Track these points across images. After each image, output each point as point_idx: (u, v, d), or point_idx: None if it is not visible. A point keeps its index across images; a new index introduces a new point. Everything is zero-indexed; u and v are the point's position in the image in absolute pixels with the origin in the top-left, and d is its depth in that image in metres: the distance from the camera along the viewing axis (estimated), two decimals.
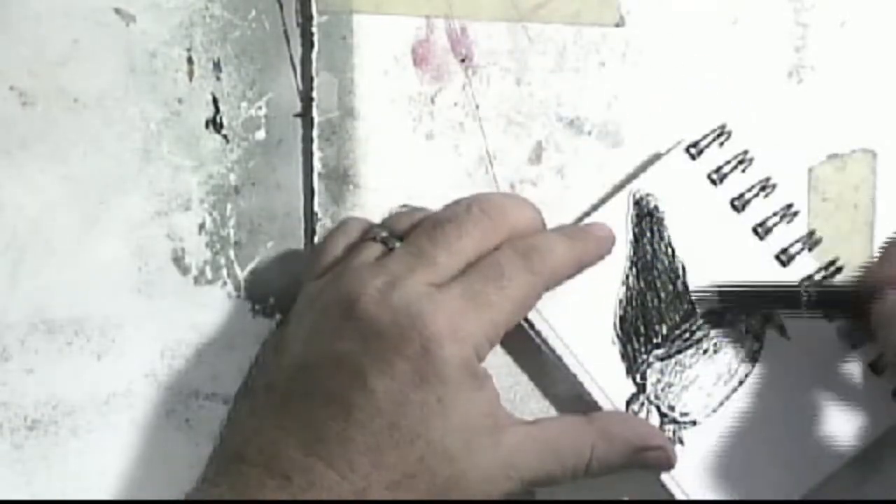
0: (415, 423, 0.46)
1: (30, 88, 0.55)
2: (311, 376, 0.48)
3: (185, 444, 0.54)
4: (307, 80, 0.56)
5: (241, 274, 0.55)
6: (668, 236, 0.54)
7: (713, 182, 0.54)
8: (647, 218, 0.54)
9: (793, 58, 0.57)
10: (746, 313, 0.54)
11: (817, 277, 0.54)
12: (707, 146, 0.54)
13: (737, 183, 0.54)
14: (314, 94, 0.56)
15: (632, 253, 0.54)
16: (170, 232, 0.55)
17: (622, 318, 0.54)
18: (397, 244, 0.51)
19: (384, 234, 0.51)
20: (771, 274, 0.54)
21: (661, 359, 0.54)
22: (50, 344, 0.54)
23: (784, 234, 0.54)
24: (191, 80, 0.56)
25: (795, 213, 0.55)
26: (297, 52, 0.56)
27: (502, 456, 0.48)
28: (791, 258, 0.54)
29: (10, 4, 0.55)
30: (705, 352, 0.54)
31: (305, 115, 0.56)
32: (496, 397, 0.50)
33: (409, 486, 0.46)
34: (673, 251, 0.54)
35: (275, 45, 0.56)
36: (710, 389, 0.54)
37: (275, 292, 0.55)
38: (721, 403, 0.54)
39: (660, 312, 0.54)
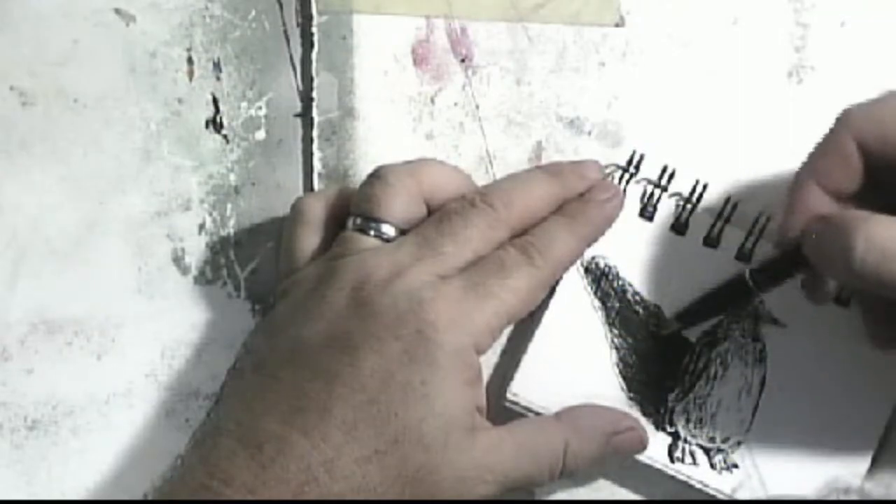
0: (395, 402, 0.47)
1: (30, 88, 0.55)
2: (303, 354, 0.48)
3: (185, 444, 0.54)
4: (307, 80, 0.56)
5: (241, 274, 0.55)
6: (631, 285, 0.54)
7: (647, 218, 0.54)
8: (603, 279, 0.54)
9: (793, 58, 0.57)
10: (711, 319, 0.54)
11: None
12: (626, 186, 0.54)
13: (667, 208, 0.54)
14: (314, 94, 0.56)
15: (605, 317, 0.54)
16: (170, 232, 0.55)
17: (627, 380, 0.54)
18: (392, 231, 0.51)
19: (373, 225, 0.51)
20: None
21: (679, 400, 0.54)
22: (50, 344, 0.54)
23: (733, 234, 0.54)
24: (191, 80, 0.56)
25: (735, 206, 0.54)
26: (297, 52, 0.56)
27: (477, 458, 0.48)
28: (750, 252, 0.54)
29: (10, 4, 0.55)
30: (715, 375, 0.54)
31: (305, 115, 0.56)
32: (482, 401, 0.50)
33: (380, 463, 0.46)
34: (642, 297, 0.54)
35: (275, 45, 0.56)
36: (738, 406, 0.54)
37: (274, 292, 0.55)
38: (753, 414, 0.54)
39: (657, 358, 0.54)
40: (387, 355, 0.47)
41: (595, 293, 0.54)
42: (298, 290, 0.50)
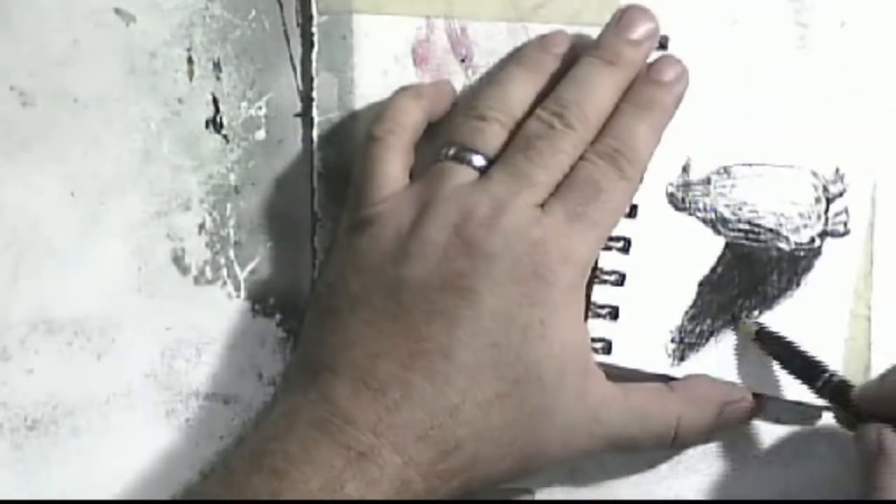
0: (517, 344, 0.47)
1: (30, 88, 0.55)
2: (412, 294, 0.48)
3: (185, 444, 0.54)
4: (307, 80, 0.56)
5: (241, 274, 0.55)
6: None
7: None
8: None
9: (793, 57, 0.57)
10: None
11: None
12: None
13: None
14: (314, 94, 0.56)
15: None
16: (170, 232, 0.55)
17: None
18: (482, 162, 0.51)
19: (469, 155, 0.51)
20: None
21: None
22: (50, 344, 0.54)
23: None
24: (191, 80, 0.56)
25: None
26: (297, 52, 0.56)
27: (588, 406, 0.48)
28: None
29: (10, 4, 0.55)
30: None
31: (305, 115, 0.56)
32: (589, 340, 0.50)
33: (501, 406, 0.47)
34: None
35: (275, 45, 0.56)
36: None
37: (275, 292, 0.55)
38: None
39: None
40: (506, 298, 0.47)
41: None
42: (388, 225, 0.50)
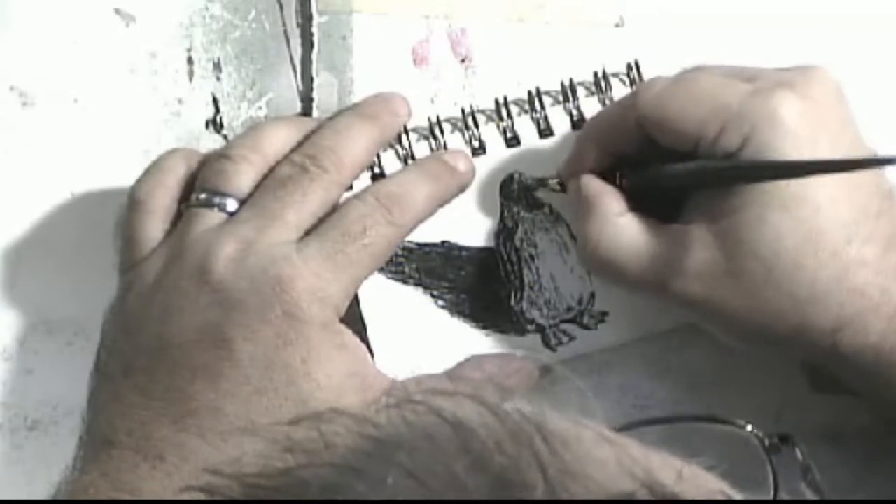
0: (282, 386, 0.47)
1: (30, 88, 0.55)
2: (174, 353, 0.47)
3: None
4: (307, 80, 0.56)
5: None
6: (410, 241, 0.54)
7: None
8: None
9: (793, 57, 0.57)
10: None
11: None
12: None
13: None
14: (314, 94, 0.56)
15: (407, 281, 0.54)
16: None
17: (467, 316, 0.54)
18: (235, 206, 0.50)
19: (218, 199, 0.50)
20: None
21: (520, 299, 0.54)
22: (50, 344, 0.54)
23: None
24: (191, 80, 0.56)
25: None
26: (297, 52, 0.56)
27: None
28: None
29: (10, 4, 0.55)
30: (532, 257, 0.54)
31: (305, 116, 0.56)
32: (363, 356, 0.50)
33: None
34: (424, 244, 0.54)
35: (275, 45, 0.56)
36: (568, 266, 0.55)
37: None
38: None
39: (476, 281, 0.55)
40: (261, 342, 0.47)
41: (386, 272, 0.54)
42: (145, 282, 0.50)
